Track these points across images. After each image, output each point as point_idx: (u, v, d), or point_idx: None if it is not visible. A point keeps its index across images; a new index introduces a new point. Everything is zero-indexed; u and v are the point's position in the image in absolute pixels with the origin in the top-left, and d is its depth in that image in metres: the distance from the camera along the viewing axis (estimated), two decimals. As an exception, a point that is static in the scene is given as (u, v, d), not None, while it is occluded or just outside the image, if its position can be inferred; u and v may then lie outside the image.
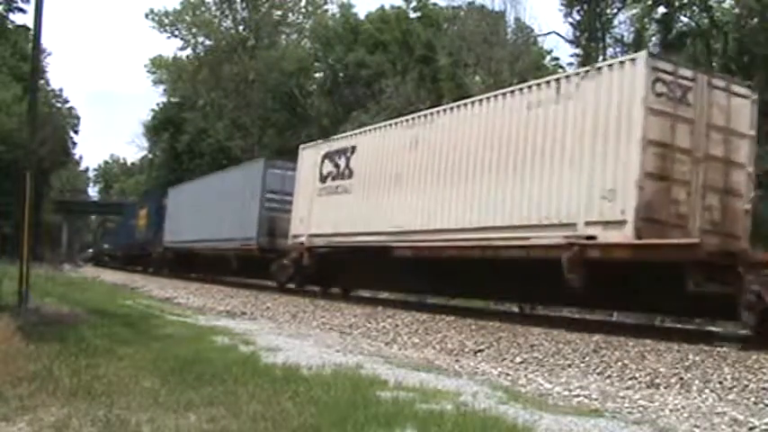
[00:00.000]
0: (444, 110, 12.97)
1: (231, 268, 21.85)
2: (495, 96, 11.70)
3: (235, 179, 22.28)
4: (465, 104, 12.44)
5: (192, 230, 25.19)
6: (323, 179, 16.04)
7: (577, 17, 30.97)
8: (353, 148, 15.18)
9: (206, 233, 23.42)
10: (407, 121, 13.71)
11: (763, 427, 4.87)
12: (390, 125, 14.37)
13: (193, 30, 47.13)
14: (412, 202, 12.91)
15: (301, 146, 18.05)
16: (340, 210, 15.09)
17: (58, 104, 59.36)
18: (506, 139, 11.00)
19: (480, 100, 12.05)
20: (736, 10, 25.52)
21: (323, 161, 16.16)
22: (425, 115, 13.35)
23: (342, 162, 15.42)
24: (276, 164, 20.08)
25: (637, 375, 6.67)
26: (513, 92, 11.39)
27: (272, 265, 17.88)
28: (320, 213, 15.88)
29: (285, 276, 17.47)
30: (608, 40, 30.51)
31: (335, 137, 17.09)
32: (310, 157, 16.92)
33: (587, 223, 9.48)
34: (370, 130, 15.24)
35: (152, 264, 31.85)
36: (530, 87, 10.98)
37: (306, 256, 16.21)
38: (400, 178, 13.34)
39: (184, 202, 27.53)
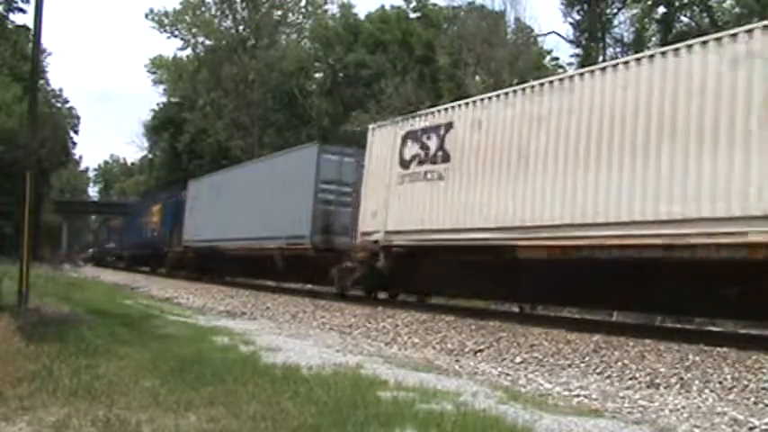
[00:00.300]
0: (593, 72, 10.18)
1: (274, 271, 19.02)
2: (689, 46, 8.75)
3: (279, 168, 19.01)
4: (637, 60, 9.57)
5: (219, 227, 22.10)
6: (405, 164, 13.25)
7: (577, 17, 31.04)
8: (449, 126, 12.37)
9: (239, 230, 20.39)
10: (534, 87, 10.99)
11: (763, 427, 4.86)
12: (505, 94, 11.59)
13: (193, 30, 47.15)
14: (545, 189, 10.29)
15: (371, 125, 15.29)
16: (431, 201, 12.45)
17: (58, 104, 59.33)
18: (712, 101, 8.25)
19: (664, 53, 9.16)
20: (736, 10, 25.53)
21: (404, 142, 13.39)
22: (565, 79, 10.69)
23: (432, 143, 12.67)
24: (331, 149, 17.11)
25: (637, 375, 6.67)
26: (719, 39, 8.50)
27: (333, 268, 15.30)
28: (402, 205, 13.15)
29: (350, 281, 14.95)
30: (608, 40, 30.55)
31: (420, 113, 14.01)
32: (385, 138, 14.03)
33: None
34: (473, 101, 12.30)
35: (168, 265, 29.11)
36: (749, 32, 8.12)
37: (381, 256, 13.54)
38: (526, 160, 10.67)
39: (209, 196, 24.15)
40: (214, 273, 24.29)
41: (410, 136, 13.36)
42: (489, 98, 11.97)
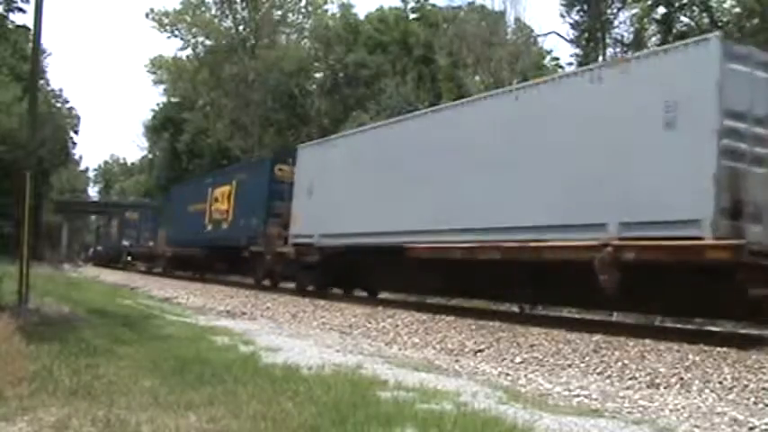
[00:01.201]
0: None
1: (574, 293, 10.44)
2: None
3: (588, 93, 9.60)
4: None
5: (396, 215, 13.12)
6: None
7: (577, 17, 31.04)
8: None
9: (466, 217, 11.46)
10: None
11: (763, 427, 4.86)
12: None
13: (193, 30, 47.11)
14: None
15: None
16: None
17: (58, 104, 59.40)
18: None
19: None
20: (737, 10, 25.50)
21: None
22: None
23: None
24: (735, 51, 8.33)
25: (637, 375, 6.67)
26: None
27: None
28: None
29: None
30: (608, 40, 30.54)
31: None
32: None
33: None
34: None
35: (262, 272, 19.47)
36: None
37: None
38: None
39: (360, 165, 14.97)
40: (403, 288, 15.84)
41: None
42: None
